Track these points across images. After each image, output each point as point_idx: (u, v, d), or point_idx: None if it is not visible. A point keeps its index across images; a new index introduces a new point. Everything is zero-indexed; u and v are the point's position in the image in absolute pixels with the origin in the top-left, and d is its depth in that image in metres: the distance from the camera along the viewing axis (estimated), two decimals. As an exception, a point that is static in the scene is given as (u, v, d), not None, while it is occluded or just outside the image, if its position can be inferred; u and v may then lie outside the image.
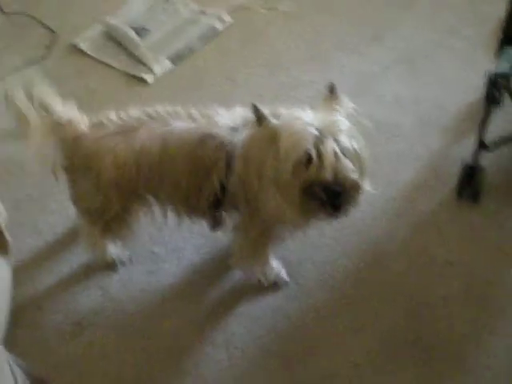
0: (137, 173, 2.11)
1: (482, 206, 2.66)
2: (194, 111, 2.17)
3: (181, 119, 2.14)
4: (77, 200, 2.27)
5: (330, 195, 1.91)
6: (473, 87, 2.94)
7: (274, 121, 1.94)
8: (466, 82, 3.10)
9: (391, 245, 2.57)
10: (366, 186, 2.02)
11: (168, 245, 2.59)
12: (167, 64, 3.35)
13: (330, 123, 1.92)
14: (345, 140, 1.91)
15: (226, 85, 3.24)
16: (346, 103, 2.01)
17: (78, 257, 2.57)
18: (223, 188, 2.12)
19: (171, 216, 2.33)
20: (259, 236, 2.24)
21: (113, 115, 2.17)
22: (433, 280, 2.47)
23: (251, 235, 2.23)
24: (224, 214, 2.24)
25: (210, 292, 2.47)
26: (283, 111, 2.01)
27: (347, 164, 1.90)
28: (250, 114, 2.04)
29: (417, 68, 3.26)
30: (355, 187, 1.95)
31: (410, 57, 3.31)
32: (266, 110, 1.94)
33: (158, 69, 3.32)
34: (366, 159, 2.00)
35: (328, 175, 1.87)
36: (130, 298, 2.46)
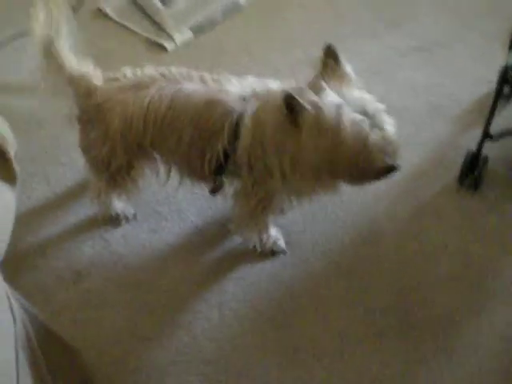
0: (143, 127, 2.18)
1: (482, 194, 2.70)
2: (206, 75, 2.22)
3: (192, 81, 2.19)
4: (85, 149, 2.34)
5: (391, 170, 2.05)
6: (486, 81, 2.98)
7: (311, 111, 1.94)
8: (480, 75, 3.15)
9: (390, 225, 2.62)
10: None
11: (172, 205, 2.66)
12: (188, 34, 3.42)
13: (363, 103, 1.97)
14: (385, 117, 2.00)
15: (244, 58, 3.32)
16: (349, 70, 2.05)
17: (84, 209, 2.64)
18: (226, 155, 2.17)
19: (174, 176, 2.39)
20: (259, 204, 2.30)
21: (128, 71, 2.25)
22: (427, 261, 2.51)
23: (251, 203, 2.29)
24: (224, 179, 2.29)
25: (209, 254, 2.53)
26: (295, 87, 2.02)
27: (398, 141, 2.02)
28: (260, 85, 2.14)
29: (433, 57, 3.31)
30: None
31: (426, 45, 3.37)
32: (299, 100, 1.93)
33: (179, 37, 3.39)
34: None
35: (392, 161, 2.01)
36: (131, 252, 2.53)
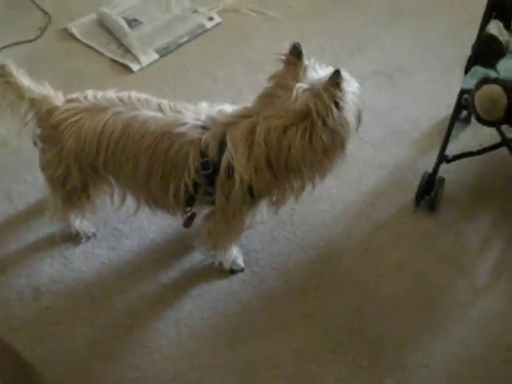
0: (96, 149, 2.20)
1: (438, 215, 2.76)
2: (164, 102, 2.24)
3: (150, 108, 2.21)
4: (43, 167, 2.36)
5: None
6: (446, 105, 3.03)
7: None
8: (440, 100, 3.21)
9: (346, 243, 2.66)
10: None
11: (133, 223, 2.68)
12: (153, 55, 3.46)
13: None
14: None
15: (208, 80, 3.36)
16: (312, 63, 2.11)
17: (45, 227, 2.65)
18: (196, 185, 2.19)
19: (130, 202, 2.42)
20: (235, 224, 2.32)
21: (89, 93, 2.27)
22: (383, 280, 2.56)
23: (221, 226, 2.30)
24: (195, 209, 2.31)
25: (168, 271, 2.55)
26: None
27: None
28: (213, 110, 2.17)
29: (394, 81, 3.38)
30: None
31: (388, 70, 3.44)
32: None
33: (144, 59, 3.43)
34: None
35: None
36: (91, 269, 2.55)
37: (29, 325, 2.40)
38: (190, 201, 2.24)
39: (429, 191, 2.74)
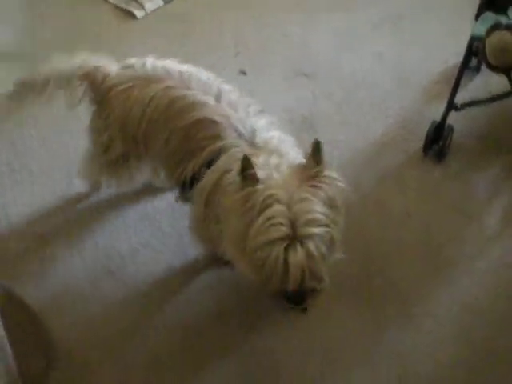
0: (139, 121, 2.15)
1: (446, 164, 2.73)
2: (226, 91, 2.13)
3: (206, 92, 2.10)
4: (90, 130, 2.33)
5: (290, 298, 1.86)
6: (455, 52, 2.97)
7: (259, 186, 1.78)
8: (449, 47, 3.15)
9: (353, 193, 2.63)
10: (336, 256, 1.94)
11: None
12: (159, 1, 3.42)
13: (304, 217, 1.77)
14: (314, 247, 1.78)
15: (215, 29, 3.30)
16: (329, 174, 1.90)
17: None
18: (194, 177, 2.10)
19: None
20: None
21: (148, 62, 2.20)
22: (390, 229, 2.54)
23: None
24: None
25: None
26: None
27: (313, 275, 1.81)
28: (269, 133, 2.05)
29: (403, 29, 3.33)
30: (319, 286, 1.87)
31: (397, 17, 3.39)
32: (259, 171, 1.79)
33: (149, 5, 3.38)
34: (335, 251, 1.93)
35: (291, 287, 1.79)
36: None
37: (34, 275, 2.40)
38: (184, 187, 2.16)
39: (437, 140, 2.71)
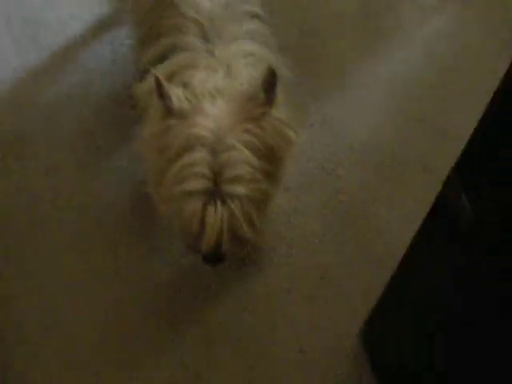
0: None
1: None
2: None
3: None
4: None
5: (205, 257, 1.60)
6: None
7: (180, 120, 1.46)
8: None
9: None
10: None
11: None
12: None
13: (230, 171, 1.44)
14: (238, 208, 1.47)
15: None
16: (277, 117, 1.50)
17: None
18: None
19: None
20: None
21: None
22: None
23: None
24: None
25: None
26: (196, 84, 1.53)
27: (236, 239, 1.54)
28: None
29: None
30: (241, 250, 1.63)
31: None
32: (173, 90, 1.46)
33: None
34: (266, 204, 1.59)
35: (203, 249, 1.55)
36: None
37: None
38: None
39: None
